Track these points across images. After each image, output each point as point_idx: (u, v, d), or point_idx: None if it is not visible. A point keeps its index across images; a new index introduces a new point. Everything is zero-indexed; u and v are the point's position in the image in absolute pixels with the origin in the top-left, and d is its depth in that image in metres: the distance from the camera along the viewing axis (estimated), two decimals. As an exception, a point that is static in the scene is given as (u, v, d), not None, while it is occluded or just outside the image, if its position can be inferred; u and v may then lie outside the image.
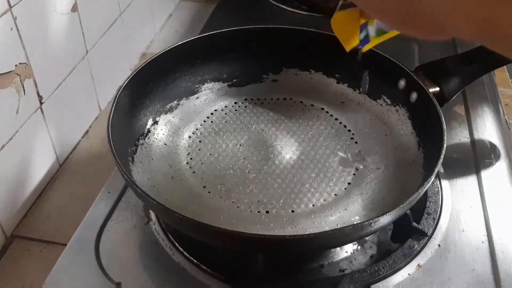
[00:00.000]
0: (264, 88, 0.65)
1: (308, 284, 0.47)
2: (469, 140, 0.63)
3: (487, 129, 0.64)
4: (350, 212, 0.50)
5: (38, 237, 0.59)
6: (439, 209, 0.53)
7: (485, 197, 0.55)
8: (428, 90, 0.53)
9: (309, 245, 0.42)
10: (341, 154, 0.57)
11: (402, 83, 0.57)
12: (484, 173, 0.58)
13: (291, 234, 0.47)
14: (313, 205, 0.51)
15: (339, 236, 0.42)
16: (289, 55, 0.64)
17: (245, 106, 0.64)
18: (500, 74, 0.87)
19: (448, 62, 0.56)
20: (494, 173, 0.58)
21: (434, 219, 0.52)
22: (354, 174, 0.54)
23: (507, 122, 0.70)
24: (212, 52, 0.62)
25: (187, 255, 0.49)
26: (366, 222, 0.40)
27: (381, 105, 0.61)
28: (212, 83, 0.64)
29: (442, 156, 0.46)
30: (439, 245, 0.50)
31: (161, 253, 0.50)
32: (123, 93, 0.53)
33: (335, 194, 0.52)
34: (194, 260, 0.48)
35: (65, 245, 0.50)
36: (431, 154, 0.50)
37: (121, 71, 0.82)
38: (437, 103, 0.51)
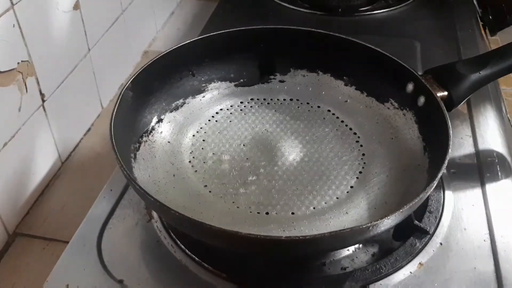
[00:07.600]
0: (271, 88, 0.65)
1: (310, 282, 0.47)
2: (471, 138, 0.62)
3: (489, 127, 0.64)
4: (351, 216, 0.50)
5: (40, 235, 0.59)
6: (441, 207, 0.53)
7: (487, 195, 0.55)
8: (436, 95, 0.52)
9: (306, 247, 0.42)
10: (345, 157, 0.56)
11: (410, 87, 0.56)
12: (486, 171, 0.58)
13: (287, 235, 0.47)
14: (314, 208, 0.51)
15: (336, 239, 0.41)
16: (297, 56, 0.64)
17: (251, 106, 0.63)
18: (502, 72, 0.87)
19: (458, 66, 0.55)
20: (496, 171, 0.58)
21: (436, 217, 0.52)
22: (357, 178, 0.54)
23: (509, 120, 0.70)
24: (220, 51, 0.62)
25: (189, 253, 0.49)
26: (364, 226, 0.40)
27: (388, 108, 0.60)
28: (219, 82, 0.64)
29: (445, 163, 0.45)
30: (441, 244, 0.50)
31: (163, 251, 0.50)
32: (128, 90, 0.52)
33: (337, 198, 0.52)
34: (196, 258, 0.48)
35: (67, 242, 0.51)
36: (436, 159, 0.49)
37: (123, 69, 0.82)
38: (445, 108, 0.51)
